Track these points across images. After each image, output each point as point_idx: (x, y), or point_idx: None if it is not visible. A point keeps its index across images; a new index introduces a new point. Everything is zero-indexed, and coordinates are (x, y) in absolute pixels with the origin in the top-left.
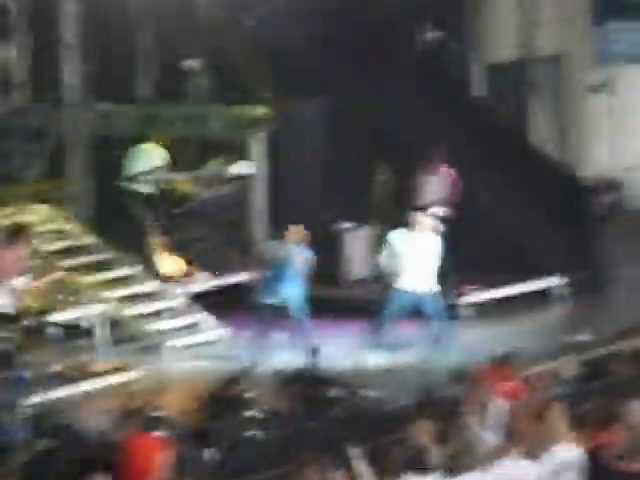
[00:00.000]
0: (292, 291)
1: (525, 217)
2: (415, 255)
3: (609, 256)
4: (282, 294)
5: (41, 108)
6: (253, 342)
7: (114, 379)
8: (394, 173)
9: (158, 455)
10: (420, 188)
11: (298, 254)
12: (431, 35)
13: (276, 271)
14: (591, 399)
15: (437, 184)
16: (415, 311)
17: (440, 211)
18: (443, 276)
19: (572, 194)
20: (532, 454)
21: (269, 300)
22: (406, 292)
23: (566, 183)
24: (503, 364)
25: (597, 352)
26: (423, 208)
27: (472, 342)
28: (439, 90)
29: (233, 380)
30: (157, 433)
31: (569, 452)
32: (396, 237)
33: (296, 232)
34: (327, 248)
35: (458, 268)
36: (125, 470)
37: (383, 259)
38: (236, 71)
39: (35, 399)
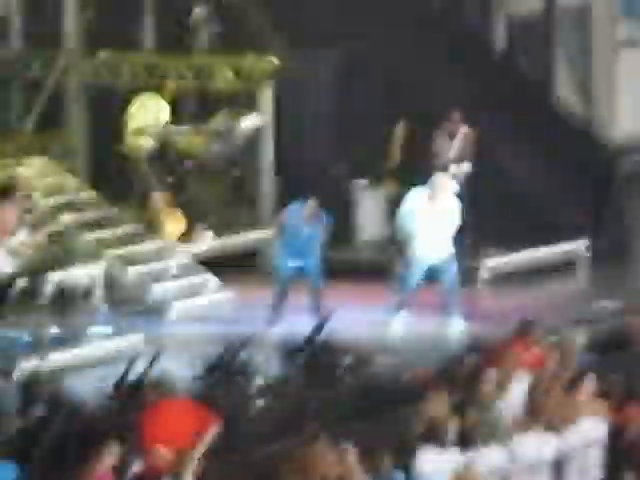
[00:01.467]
0: (308, 257)
1: (546, 179)
2: (432, 219)
3: (633, 221)
4: (297, 260)
5: (40, 56)
6: (262, 307)
7: (113, 344)
8: (411, 129)
9: (194, 421)
10: (437, 145)
11: (314, 221)
12: None
13: (291, 236)
14: (612, 372)
15: (454, 141)
16: (431, 278)
17: (458, 170)
18: (461, 239)
19: (595, 155)
20: (554, 428)
21: (284, 265)
22: (422, 259)
23: (590, 143)
24: (524, 333)
25: (619, 321)
26: (442, 167)
27: (491, 309)
28: (459, 43)
29: (238, 346)
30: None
31: (594, 427)
32: (413, 198)
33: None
34: (340, 207)
35: (476, 231)
36: (150, 437)
37: (398, 221)
38: (243, 20)
39: (31, 363)
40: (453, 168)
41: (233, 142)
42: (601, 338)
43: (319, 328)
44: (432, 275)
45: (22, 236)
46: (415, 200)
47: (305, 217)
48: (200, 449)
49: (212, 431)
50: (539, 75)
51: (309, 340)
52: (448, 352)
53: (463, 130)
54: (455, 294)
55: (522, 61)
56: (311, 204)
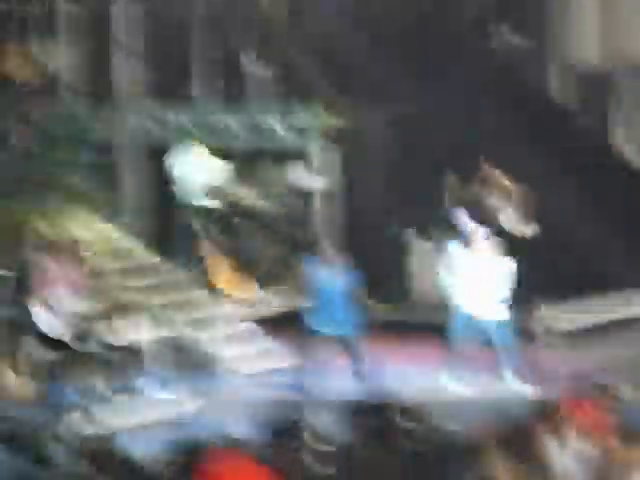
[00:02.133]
0: (341, 318)
1: (606, 235)
2: (479, 276)
3: None
4: (331, 322)
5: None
6: (313, 371)
7: (172, 409)
8: (463, 186)
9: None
10: (487, 202)
11: (341, 278)
12: (509, 39)
13: (322, 297)
14: None
15: (506, 198)
16: (484, 338)
17: (507, 221)
18: (519, 298)
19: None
20: None
21: (320, 328)
22: (470, 316)
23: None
24: (589, 396)
25: None
26: (487, 224)
27: (554, 370)
28: (518, 100)
29: (297, 411)
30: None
31: None
32: (455, 251)
33: (334, 255)
34: (394, 265)
35: (535, 289)
36: None
37: (441, 272)
38: (299, 78)
39: (85, 427)
40: (502, 219)
41: (292, 202)
42: None
43: (377, 392)
44: (483, 335)
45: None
46: (457, 252)
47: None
48: None
49: None
50: (596, 125)
51: (368, 403)
52: (504, 414)
53: (504, 182)
54: (507, 353)
55: (580, 113)
56: (330, 252)
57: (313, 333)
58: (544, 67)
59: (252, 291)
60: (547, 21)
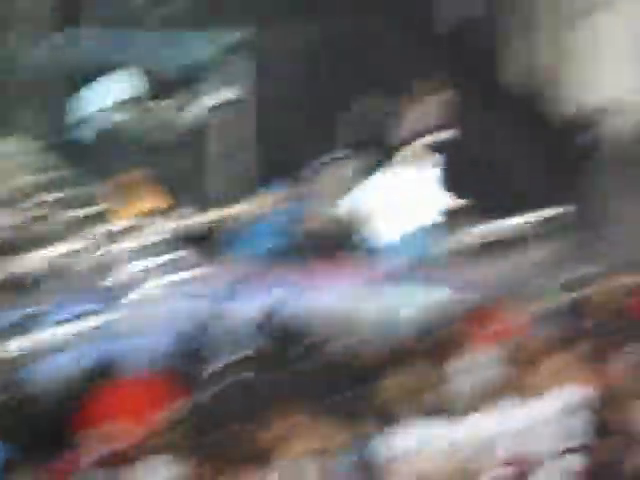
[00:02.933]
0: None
1: (506, 153)
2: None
3: (597, 191)
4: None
5: None
6: (227, 285)
7: (84, 324)
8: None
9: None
10: (404, 119)
11: None
12: None
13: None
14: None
15: (422, 114)
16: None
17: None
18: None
19: (554, 126)
20: (527, 400)
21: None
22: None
23: (546, 115)
24: (491, 305)
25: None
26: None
27: (458, 281)
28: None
29: (206, 322)
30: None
31: (571, 395)
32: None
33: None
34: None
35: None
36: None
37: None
38: None
39: None
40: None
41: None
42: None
43: (282, 307)
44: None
45: None
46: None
47: None
48: (164, 422)
49: (177, 404)
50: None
51: (272, 318)
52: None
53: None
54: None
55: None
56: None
57: (225, 248)
58: None
59: (160, 203)
60: None
